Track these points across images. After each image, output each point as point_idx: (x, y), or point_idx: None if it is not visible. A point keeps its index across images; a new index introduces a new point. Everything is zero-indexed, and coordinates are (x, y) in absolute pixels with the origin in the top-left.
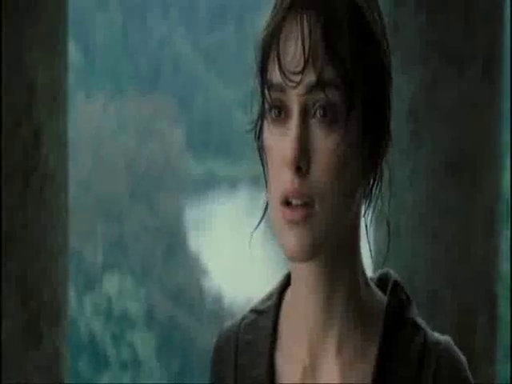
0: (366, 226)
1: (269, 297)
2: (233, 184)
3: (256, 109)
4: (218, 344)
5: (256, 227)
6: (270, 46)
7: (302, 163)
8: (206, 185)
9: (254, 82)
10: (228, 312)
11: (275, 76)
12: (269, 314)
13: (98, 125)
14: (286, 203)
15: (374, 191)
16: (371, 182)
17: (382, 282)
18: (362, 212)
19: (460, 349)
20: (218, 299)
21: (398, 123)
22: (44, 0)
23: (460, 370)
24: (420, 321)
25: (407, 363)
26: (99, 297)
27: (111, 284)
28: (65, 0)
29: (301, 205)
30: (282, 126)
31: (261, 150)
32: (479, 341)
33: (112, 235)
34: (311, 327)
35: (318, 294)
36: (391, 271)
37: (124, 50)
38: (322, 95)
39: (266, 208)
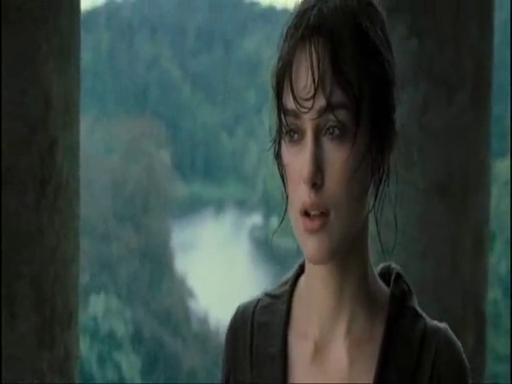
0: (377, 221)
1: (283, 283)
2: (219, 206)
3: (241, 132)
4: (234, 325)
5: (275, 231)
6: (283, 75)
7: (317, 179)
8: (192, 207)
9: (272, 107)
10: (214, 333)
11: (289, 103)
12: (283, 298)
13: (85, 146)
14: (305, 214)
15: (381, 188)
16: (379, 179)
17: (385, 273)
18: (370, 207)
19: None
20: (204, 321)
21: None
22: (58, 16)
23: (456, 354)
24: (420, 310)
25: (409, 347)
26: (85, 317)
27: (97, 305)
28: (77, 17)
29: (318, 215)
30: (298, 145)
31: (280, 166)
32: (467, 359)
33: (98, 256)
34: (323, 312)
35: (330, 286)
36: (393, 264)
37: (111, 72)
38: (331, 117)
39: (283, 215)
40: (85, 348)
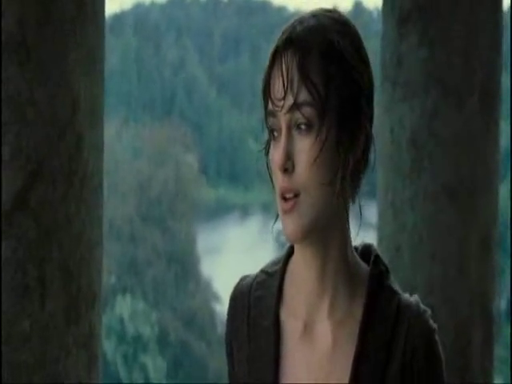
0: (360, 206)
1: (276, 262)
2: (245, 210)
3: (265, 134)
4: (234, 297)
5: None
6: (266, 83)
7: (287, 165)
8: (219, 211)
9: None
10: None
11: (269, 105)
12: (276, 276)
13: (112, 149)
14: (283, 197)
15: (359, 178)
16: (349, 170)
17: (365, 253)
18: (351, 196)
19: (456, 364)
20: None
21: (401, 150)
22: (85, 25)
23: (426, 322)
24: (396, 287)
25: (385, 321)
26: (112, 318)
27: (124, 306)
28: (102, 24)
29: (292, 197)
30: (278, 141)
31: (268, 162)
32: (475, 356)
33: (125, 258)
34: (308, 292)
35: (312, 267)
36: (373, 246)
37: (138, 76)
38: (298, 114)
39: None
40: (111, 349)
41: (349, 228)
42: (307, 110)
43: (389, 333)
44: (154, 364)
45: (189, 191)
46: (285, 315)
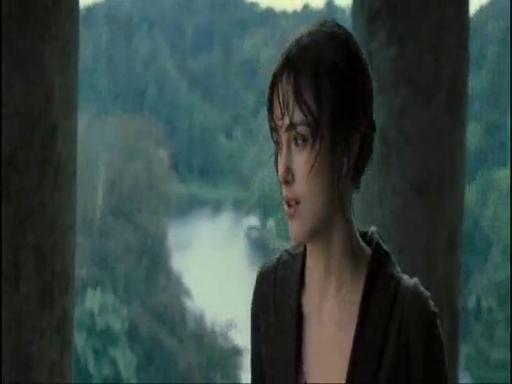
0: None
1: (298, 244)
2: (216, 206)
3: (238, 134)
4: (261, 276)
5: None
6: (268, 103)
7: (288, 178)
8: (190, 206)
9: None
10: (209, 332)
11: (272, 123)
12: (297, 258)
13: (83, 143)
14: (287, 204)
15: (360, 173)
16: (343, 175)
17: (369, 237)
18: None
19: None
20: (200, 319)
21: None
22: (60, 19)
23: (422, 304)
24: (396, 271)
25: (383, 304)
26: (82, 312)
27: (94, 300)
28: (77, 18)
29: (294, 204)
30: (281, 154)
31: (277, 169)
32: None
33: (95, 252)
34: (317, 279)
35: (318, 258)
36: (375, 233)
37: (109, 69)
38: (294, 132)
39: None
40: (81, 343)
41: (352, 223)
42: (302, 129)
43: (386, 315)
44: (124, 358)
45: (160, 186)
46: (306, 295)
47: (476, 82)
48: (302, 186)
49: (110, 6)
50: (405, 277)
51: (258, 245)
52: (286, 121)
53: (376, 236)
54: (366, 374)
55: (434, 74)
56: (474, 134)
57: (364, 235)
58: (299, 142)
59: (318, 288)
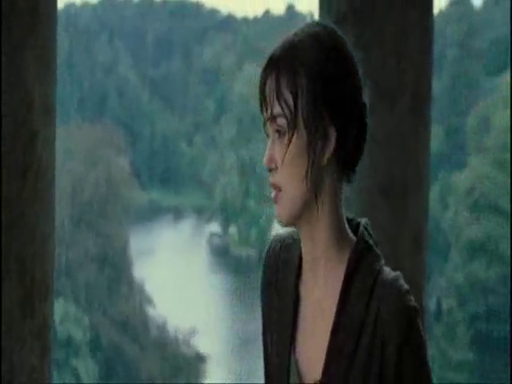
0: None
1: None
2: (177, 213)
3: (199, 140)
4: (267, 256)
5: None
6: (259, 98)
7: (271, 165)
8: (151, 213)
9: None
10: (172, 339)
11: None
12: (298, 243)
13: None
14: (272, 187)
15: (344, 165)
16: (317, 165)
17: (355, 226)
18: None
19: None
20: (162, 327)
21: None
22: (39, 27)
23: (399, 297)
24: (377, 263)
25: (361, 296)
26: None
27: (55, 310)
28: (55, 29)
29: (278, 190)
30: None
31: None
32: None
33: (56, 261)
34: (309, 263)
35: (306, 244)
36: (362, 225)
37: (69, 77)
38: (275, 124)
39: None
40: None
41: (339, 209)
42: (280, 120)
43: (363, 306)
44: (86, 368)
45: (121, 194)
46: (302, 279)
47: (436, 85)
48: (281, 174)
49: (69, 14)
50: (387, 270)
51: (219, 251)
52: (268, 113)
53: (362, 228)
54: (342, 362)
55: (398, 77)
56: (434, 137)
57: (357, 226)
58: (278, 133)
59: (310, 273)
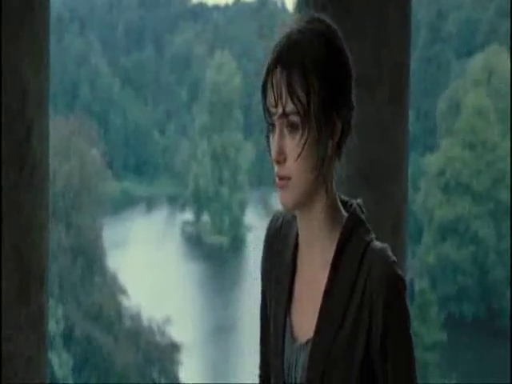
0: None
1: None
2: (150, 203)
3: (172, 129)
4: (269, 231)
5: None
6: (263, 92)
7: (280, 158)
8: (124, 204)
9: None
10: (146, 330)
11: (267, 108)
12: (296, 220)
13: None
14: (278, 177)
15: (341, 149)
16: (327, 158)
17: (350, 207)
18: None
19: None
20: (137, 316)
21: None
22: (33, 20)
23: (387, 264)
24: (367, 236)
25: (351, 264)
26: None
27: None
28: (48, 22)
29: (285, 178)
30: (274, 133)
31: (268, 148)
32: None
33: None
34: (305, 238)
35: (302, 224)
36: (355, 204)
37: None
38: (286, 120)
39: None
40: None
41: (333, 188)
42: (293, 117)
43: (353, 272)
44: (60, 359)
45: (93, 185)
46: (299, 251)
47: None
48: (292, 165)
49: None
50: (376, 242)
51: (192, 239)
52: (280, 110)
53: (355, 206)
54: (333, 322)
55: (378, 68)
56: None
57: (350, 206)
58: (290, 128)
59: (306, 248)
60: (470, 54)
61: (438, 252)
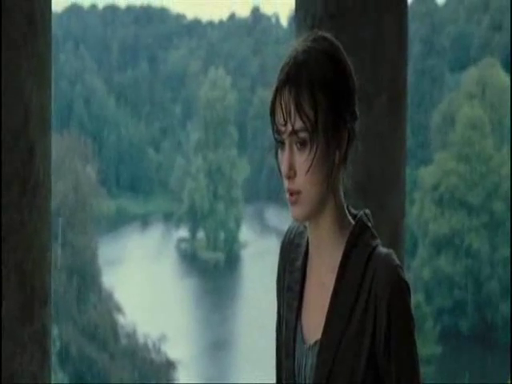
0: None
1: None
2: (145, 220)
3: (166, 146)
4: (284, 242)
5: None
6: (271, 110)
7: (290, 174)
8: (119, 221)
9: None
10: (142, 348)
11: (276, 127)
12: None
13: None
14: (289, 193)
15: (347, 157)
16: (334, 170)
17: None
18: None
19: None
20: (132, 334)
21: None
22: (36, 40)
23: (391, 268)
24: (373, 242)
25: (357, 269)
26: None
27: None
28: (50, 40)
29: (295, 193)
30: (283, 150)
31: (277, 164)
32: None
33: None
34: (316, 246)
35: (312, 234)
36: (361, 214)
37: None
38: (295, 137)
39: None
40: None
41: (341, 197)
42: (302, 134)
43: (360, 275)
44: (56, 379)
45: (88, 202)
46: (309, 259)
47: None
48: (302, 180)
49: None
50: (381, 247)
51: (188, 256)
52: (289, 128)
53: (361, 214)
54: (340, 323)
55: (375, 81)
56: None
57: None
58: (299, 145)
59: (316, 255)
60: (463, 67)
61: (432, 265)
